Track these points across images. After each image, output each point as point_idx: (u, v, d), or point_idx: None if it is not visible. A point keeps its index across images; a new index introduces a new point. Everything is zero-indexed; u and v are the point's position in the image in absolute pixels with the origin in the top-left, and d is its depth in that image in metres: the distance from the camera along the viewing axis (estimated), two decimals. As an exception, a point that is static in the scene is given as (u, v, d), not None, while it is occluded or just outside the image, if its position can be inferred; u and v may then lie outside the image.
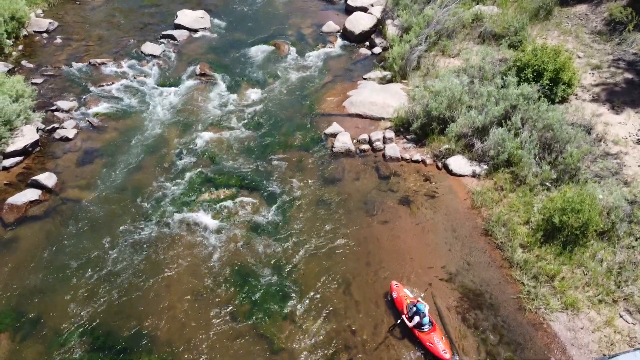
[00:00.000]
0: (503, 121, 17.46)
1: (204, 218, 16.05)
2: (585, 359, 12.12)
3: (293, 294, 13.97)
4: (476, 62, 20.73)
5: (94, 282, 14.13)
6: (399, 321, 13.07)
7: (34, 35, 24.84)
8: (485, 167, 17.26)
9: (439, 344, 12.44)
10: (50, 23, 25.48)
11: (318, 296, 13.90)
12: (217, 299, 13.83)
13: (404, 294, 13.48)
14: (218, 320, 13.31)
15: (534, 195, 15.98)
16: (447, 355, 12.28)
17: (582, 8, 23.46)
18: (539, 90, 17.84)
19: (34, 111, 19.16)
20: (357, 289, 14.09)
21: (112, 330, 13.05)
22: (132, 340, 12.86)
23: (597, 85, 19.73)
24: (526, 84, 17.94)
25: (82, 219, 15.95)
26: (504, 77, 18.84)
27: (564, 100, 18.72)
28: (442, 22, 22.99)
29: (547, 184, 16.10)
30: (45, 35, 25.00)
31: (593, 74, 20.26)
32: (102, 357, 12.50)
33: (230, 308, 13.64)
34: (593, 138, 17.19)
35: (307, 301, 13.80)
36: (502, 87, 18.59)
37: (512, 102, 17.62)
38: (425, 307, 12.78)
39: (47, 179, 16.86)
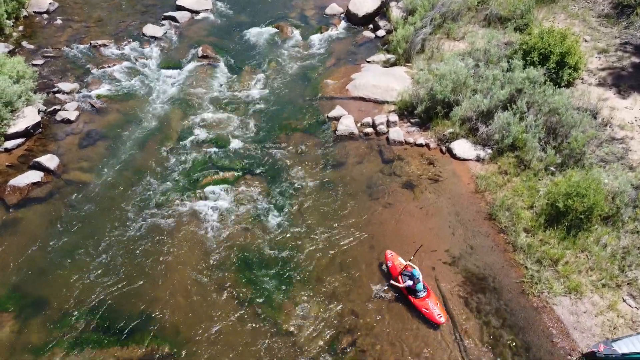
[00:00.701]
0: (508, 105, 17.32)
1: (207, 201, 15.99)
2: (588, 342, 12.13)
3: (296, 278, 13.96)
4: (481, 46, 20.49)
5: (97, 264, 14.13)
6: (387, 285, 13.49)
7: (34, 16, 24.54)
8: (490, 151, 17.15)
9: (434, 309, 12.82)
10: (50, 4, 25.14)
11: (321, 279, 13.90)
12: (220, 282, 13.83)
13: (399, 262, 13.77)
14: (222, 303, 13.32)
15: (539, 179, 15.89)
16: (442, 319, 12.67)
17: (589, -9, 23.15)
18: (545, 74, 17.63)
19: (35, 93, 18.96)
20: (360, 272, 14.07)
21: (115, 312, 13.06)
22: (136, 322, 12.87)
23: (603, 69, 19.53)
24: (532, 67, 17.74)
25: (85, 201, 15.91)
26: (510, 61, 18.62)
27: (569, 84, 18.52)
28: (447, 4, 22.69)
29: (552, 168, 16.01)
30: (45, 16, 24.70)
31: (599, 57, 20.04)
32: (106, 339, 12.53)
33: (233, 291, 13.64)
34: (599, 122, 17.04)
35: (311, 284, 13.81)
36: (507, 70, 18.38)
37: (517, 86, 17.44)
38: (419, 274, 13.08)
39: (49, 160, 16.78)
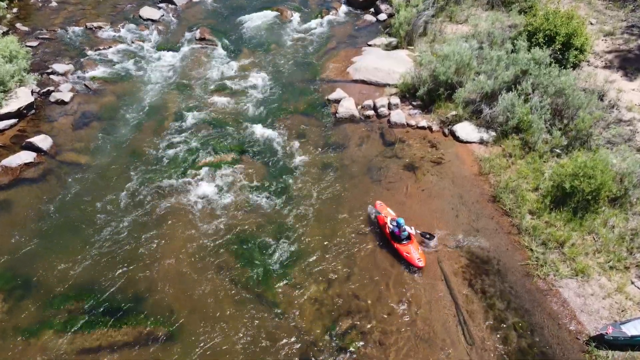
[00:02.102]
0: (513, 86, 16.93)
1: (204, 183, 15.59)
2: (596, 325, 11.78)
3: (295, 260, 13.57)
4: (485, 28, 20.11)
5: (90, 245, 13.71)
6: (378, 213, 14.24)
7: (29, -2, 24.16)
8: (494, 133, 16.77)
9: (414, 253, 13.31)
10: (45, -14, 24.73)
11: (321, 262, 13.50)
12: (218, 264, 13.44)
13: (387, 212, 14.33)
14: (219, 286, 12.93)
15: (544, 162, 15.53)
16: (421, 263, 13.15)
17: (595, -26, 22.74)
18: (550, 55, 17.22)
19: (28, 73, 18.51)
20: (360, 254, 13.71)
21: (108, 293, 12.65)
22: (130, 303, 12.47)
23: (609, 52, 19.18)
24: (537, 48, 17.32)
25: (78, 182, 15.50)
26: (514, 43, 18.21)
27: (575, 66, 18.14)
28: (450, -14, 22.30)
29: (558, 150, 15.64)
30: (40, -2, 24.31)
31: (605, 40, 19.67)
32: (99, 320, 12.12)
33: (231, 273, 13.25)
34: (605, 104, 16.68)
35: (310, 267, 13.41)
36: (512, 52, 17.98)
37: (522, 67, 17.05)
38: (404, 222, 13.47)
39: (42, 141, 16.36)
